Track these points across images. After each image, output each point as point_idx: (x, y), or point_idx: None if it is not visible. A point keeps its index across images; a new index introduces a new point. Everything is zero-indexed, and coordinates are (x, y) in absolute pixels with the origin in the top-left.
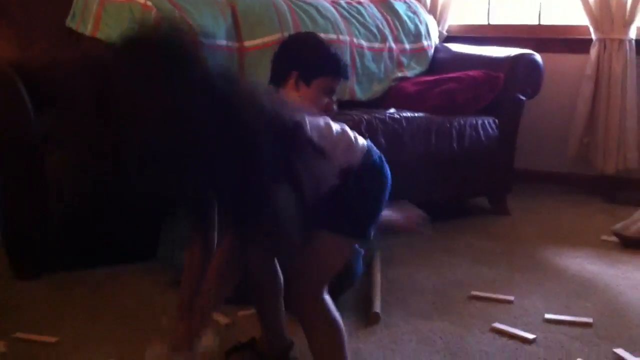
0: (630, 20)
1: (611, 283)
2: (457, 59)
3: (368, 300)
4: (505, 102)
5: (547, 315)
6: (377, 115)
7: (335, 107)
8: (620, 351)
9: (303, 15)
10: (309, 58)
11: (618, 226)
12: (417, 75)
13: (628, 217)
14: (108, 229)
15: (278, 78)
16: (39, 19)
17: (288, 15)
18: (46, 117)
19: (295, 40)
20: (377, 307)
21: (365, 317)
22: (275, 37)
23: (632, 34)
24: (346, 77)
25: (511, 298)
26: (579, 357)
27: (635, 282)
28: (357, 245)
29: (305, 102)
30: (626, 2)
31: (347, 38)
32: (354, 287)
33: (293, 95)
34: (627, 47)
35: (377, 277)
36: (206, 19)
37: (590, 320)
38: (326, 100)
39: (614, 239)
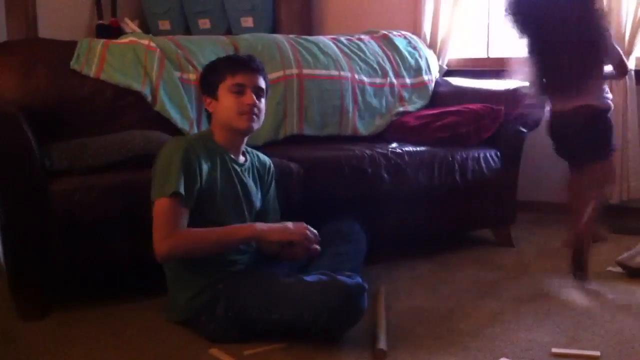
0: (629, 51)
1: (617, 314)
2: (457, 92)
3: (374, 336)
4: (506, 134)
5: (555, 350)
6: (379, 149)
7: (257, 102)
8: None
9: (304, 52)
10: (204, 76)
11: (623, 257)
12: (419, 109)
13: (633, 247)
14: (114, 262)
15: (206, 112)
16: (43, 60)
17: (290, 52)
18: (51, 150)
19: (202, 70)
20: (383, 344)
21: (371, 353)
22: (278, 74)
23: (632, 65)
24: (250, 67)
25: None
26: None
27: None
28: (361, 280)
29: (222, 115)
30: (624, 34)
31: (349, 74)
32: (360, 323)
33: (216, 117)
34: (627, 78)
35: (382, 312)
36: (209, 57)
37: (597, 353)
38: (245, 99)
39: (619, 269)
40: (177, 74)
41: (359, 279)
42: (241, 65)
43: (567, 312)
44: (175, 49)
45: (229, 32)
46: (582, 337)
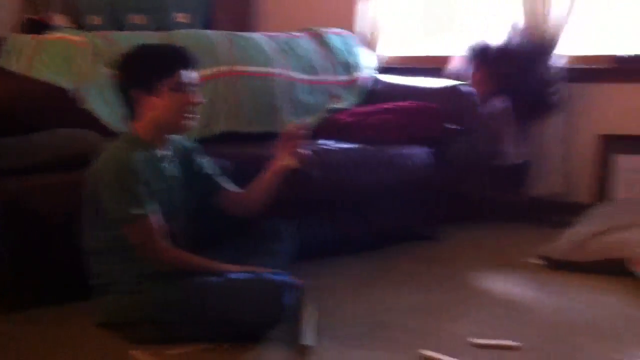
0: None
1: (538, 305)
2: (391, 90)
3: (301, 333)
4: (438, 131)
5: (475, 340)
6: (311, 147)
7: (201, 99)
8: None
9: (238, 49)
10: (140, 70)
11: (545, 249)
12: (352, 107)
13: (553, 239)
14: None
15: (129, 112)
16: None
17: (225, 49)
18: None
19: (119, 66)
20: (309, 340)
21: (298, 350)
22: (212, 71)
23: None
24: (193, 64)
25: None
26: None
27: (561, 304)
28: (289, 277)
29: (165, 114)
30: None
31: (282, 71)
32: (287, 320)
33: (152, 116)
34: None
35: (311, 308)
36: None
37: (517, 343)
38: (194, 97)
39: (541, 261)
40: (109, 71)
41: (286, 277)
42: (187, 61)
43: (489, 305)
44: (107, 45)
45: (163, 28)
46: (503, 328)
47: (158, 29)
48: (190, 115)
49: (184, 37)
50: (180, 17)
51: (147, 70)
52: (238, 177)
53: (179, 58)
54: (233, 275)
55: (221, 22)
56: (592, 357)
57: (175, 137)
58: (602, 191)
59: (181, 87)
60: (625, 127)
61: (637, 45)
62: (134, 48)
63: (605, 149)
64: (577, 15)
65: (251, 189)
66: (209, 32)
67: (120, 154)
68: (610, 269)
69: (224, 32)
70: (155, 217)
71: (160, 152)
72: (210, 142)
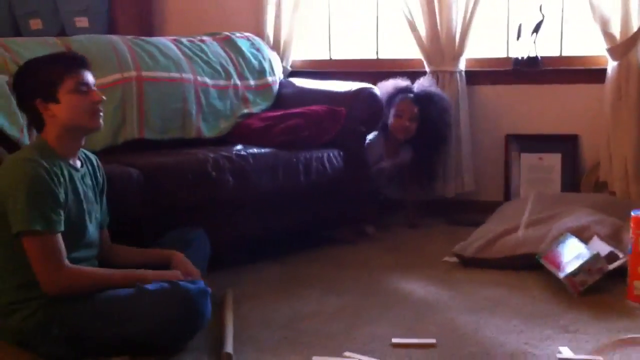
0: (459, 54)
1: (452, 303)
2: (301, 93)
3: (220, 341)
4: (348, 134)
5: (394, 340)
6: (223, 153)
7: (103, 96)
8: None
9: (143, 55)
10: (36, 80)
11: (457, 247)
12: (263, 111)
13: (467, 238)
14: None
15: (35, 123)
16: None
17: (127, 54)
18: None
19: (15, 80)
20: (229, 347)
21: (218, 358)
22: (115, 77)
23: (462, 66)
24: (86, 64)
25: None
26: None
27: (473, 300)
28: (204, 285)
29: (71, 117)
30: (454, 37)
31: (191, 76)
32: (205, 329)
33: (58, 122)
34: (458, 78)
35: (229, 316)
36: None
37: (433, 341)
38: (92, 97)
39: (454, 259)
40: (5, 77)
41: (201, 284)
42: (80, 63)
43: (405, 304)
44: (2, 52)
45: (62, 33)
46: (419, 327)
47: (57, 34)
48: (96, 114)
49: (82, 42)
50: (79, 22)
51: (42, 80)
52: (147, 188)
53: (71, 61)
54: (148, 286)
55: (122, 26)
56: (502, 351)
57: (83, 151)
58: (509, 189)
59: (79, 88)
60: (526, 127)
61: (532, 48)
62: (26, 62)
63: (510, 148)
64: (476, 20)
65: (130, 252)
66: (110, 37)
67: (28, 164)
68: (520, 264)
69: (127, 37)
70: (57, 236)
71: (71, 162)
72: (118, 151)
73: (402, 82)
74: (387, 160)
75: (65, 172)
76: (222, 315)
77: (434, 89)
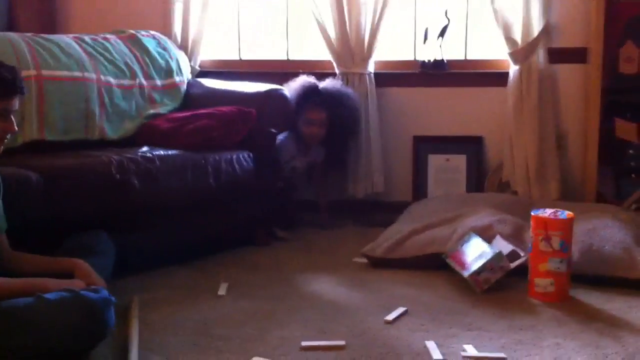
0: (368, 56)
1: (361, 303)
2: (210, 94)
3: (126, 350)
4: (258, 135)
5: (304, 343)
6: (128, 155)
7: (15, 127)
8: None
9: (43, 53)
10: None
11: (367, 248)
12: (171, 112)
13: (376, 238)
14: None
15: None
16: None
17: (27, 52)
18: None
19: None
20: (134, 357)
21: None
22: None
23: (371, 68)
24: (17, 90)
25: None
26: None
27: (382, 300)
28: (108, 294)
29: None
30: (364, 40)
31: (94, 75)
32: (107, 338)
33: None
34: (367, 80)
35: (135, 325)
36: None
37: (342, 342)
38: (7, 126)
39: (363, 260)
40: None
41: (105, 293)
42: (9, 88)
43: (316, 306)
44: None
45: None
46: (330, 329)
47: None
48: (2, 142)
49: None
50: None
51: None
52: (47, 192)
53: (10, 86)
54: (47, 295)
55: (23, 23)
56: (409, 350)
57: None
58: (417, 190)
59: (3, 115)
60: (434, 128)
61: (438, 51)
62: None
63: (418, 149)
64: (384, 23)
65: (32, 260)
66: (8, 34)
67: None
68: (428, 264)
69: (26, 35)
70: None
71: None
72: (17, 153)
73: (310, 82)
74: (299, 159)
75: None
76: (127, 323)
77: (341, 88)
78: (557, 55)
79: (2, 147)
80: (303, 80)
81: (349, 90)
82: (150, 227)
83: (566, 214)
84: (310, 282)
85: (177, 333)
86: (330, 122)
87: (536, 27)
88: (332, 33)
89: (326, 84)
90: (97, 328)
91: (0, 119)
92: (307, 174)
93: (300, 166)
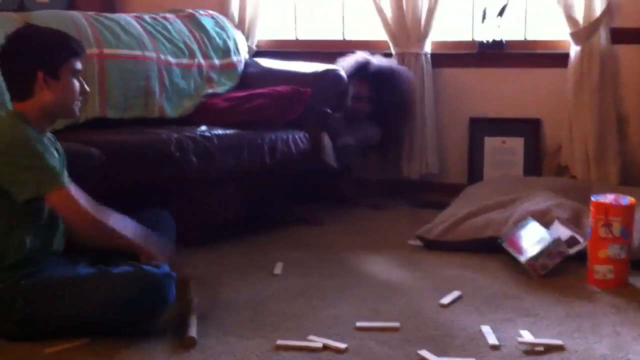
0: (425, 36)
1: (415, 286)
2: (266, 74)
3: (183, 325)
4: (312, 115)
5: (358, 323)
6: (187, 133)
7: (86, 87)
8: (424, 352)
9: (105, 31)
10: (46, 50)
11: (422, 230)
12: (228, 91)
13: (431, 220)
14: None
15: (22, 90)
16: None
17: (89, 31)
18: None
19: (18, 41)
20: (193, 332)
21: (179, 342)
22: None
23: (427, 48)
24: (85, 53)
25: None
26: None
27: (437, 283)
28: (168, 268)
29: (62, 98)
30: (420, 20)
31: (154, 54)
32: (168, 312)
33: (48, 98)
34: (423, 61)
35: (193, 299)
36: None
37: (397, 324)
38: (78, 85)
39: (418, 242)
40: None
41: (166, 268)
42: (82, 50)
43: (369, 287)
44: None
45: (21, 7)
46: (383, 309)
47: (17, 9)
48: (78, 103)
49: (43, 18)
50: None
51: (53, 52)
52: (108, 167)
53: (76, 45)
54: (114, 270)
55: (84, 1)
56: (465, 334)
57: None
58: (472, 172)
59: (76, 74)
60: (490, 110)
61: (497, 31)
62: (34, 27)
63: (473, 131)
64: (442, 3)
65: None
66: (71, 13)
67: (15, 129)
68: (483, 247)
69: (88, 13)
70: (73, 186)
71: (44, 137)
72: (79, 129)
73: (362, 57)
74: (350, 137)
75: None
76: (184, 298)
77: (392, 65)
78: (620, 36)
79: (78, 110)
80: (357, 55)
81: (400, 69)
82: (205, 204)
83: (627, 199)
84: (363, 263)
85: (232, 309)
86: (378, 100)
87: (598, 7)
88: (389, 12)
89: (378, 60)
90: (158, 302)
91: (76, 80)
92: (362, 153)
93: (352, 144)
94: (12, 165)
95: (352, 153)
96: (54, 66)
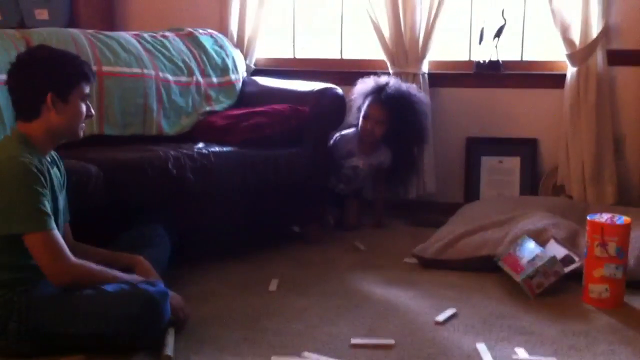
0: (422, 56)
1: (411, 303)
2: (264, 92)
3: (164, 343)
4: (312, 134)
5: (353, 340)
6: (185, 150)
7: (92, 110)
8: None
9: (104, 49)
10: (59, 73)
11: (418, 248)
12: (226, 109)
13: (427, 239)
14: None
15: (29, 110)
16: None
17: (88, 48)
18: None
19: (31, 61)
20: (169, 349)
21: None
22: None
23: (425, 68)
24: (95, 77)
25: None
26: None
27: (432, 301)
28: (164, 287)
29: (69, 121)
30: (418, 40)
31: (153, 72)
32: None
33: (54, 120)
34: (421, 80)
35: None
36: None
37: (392, 341)
38: (85, 108)
39: (414, 260)
40: None
41: (161, 286)
42: (93, 75)
43: (366, 304)
44: None
45: (21, 24)
46: (379, 327)
47: (17, 26)
48: (82, 128)
49: (43, 35)
50: (40, 14)
51: (66, 74)
52: (106, 185)
53: (88, 69)
54: (109, 288)
55: (84, 20)
56: (460, 352)
57: None
58: (469, 191)
59: (85, 99)
60: (487, 129)
61: (494, 52)
62: (47, 49)
63: (471, 150)
64: (439, 23)
65: (96, 253)
66: (71, 30)
67: (20, 162)
68: (479, 266)
69: (88, 31)
70: (56, 231)
71: (47, 161)
72: (77, 146)
73: (383, 80)
74: (361, 158)
75: (45, 168)
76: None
77: (411, 91)
78: (616, 57)
79: (82, 133)
80: (379, 77)
81: (419, 95)
82: (205, 221)
83: (623, 219)
84: (360, 281)
85: (228, 326)
86: (393, 124)
87: (595, 28)
88: (387, 32)
89: (396, 84)
90: (155, 319)
91: (84, 104)
92: (374, 176)
93: (363, 167)
94: (7, 197)
95: (362, 176)
96: (64, 90)
